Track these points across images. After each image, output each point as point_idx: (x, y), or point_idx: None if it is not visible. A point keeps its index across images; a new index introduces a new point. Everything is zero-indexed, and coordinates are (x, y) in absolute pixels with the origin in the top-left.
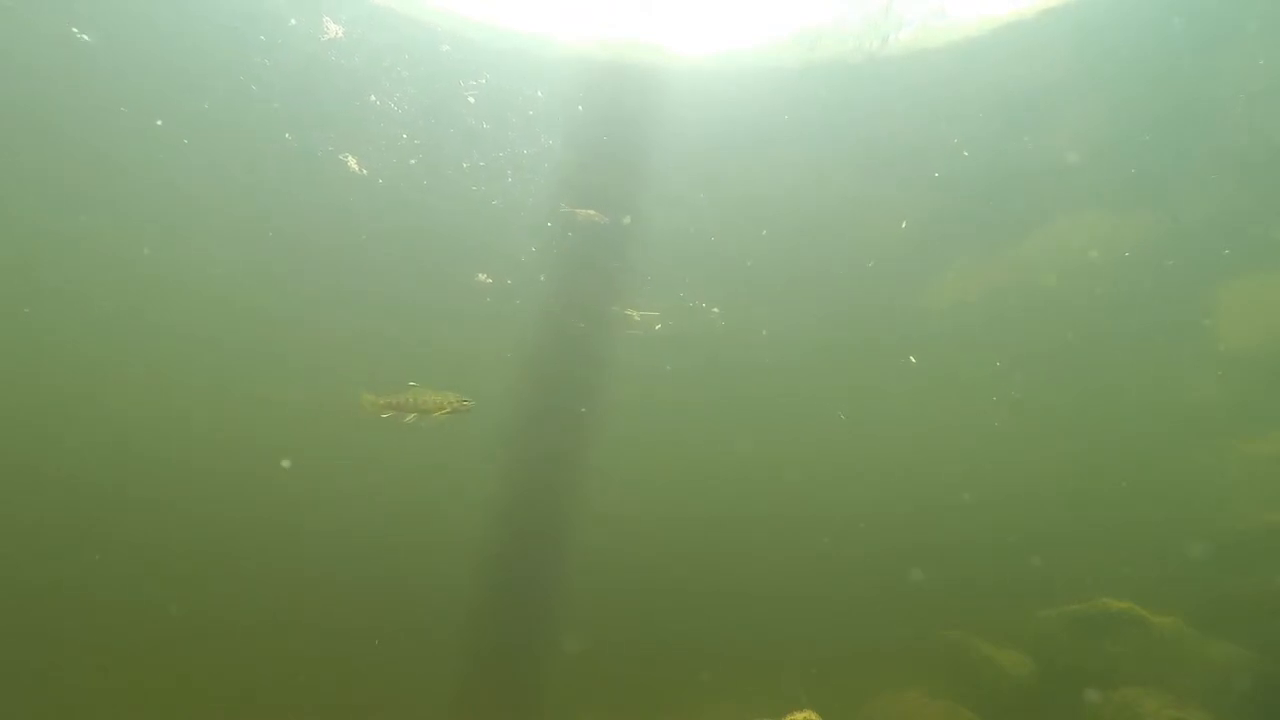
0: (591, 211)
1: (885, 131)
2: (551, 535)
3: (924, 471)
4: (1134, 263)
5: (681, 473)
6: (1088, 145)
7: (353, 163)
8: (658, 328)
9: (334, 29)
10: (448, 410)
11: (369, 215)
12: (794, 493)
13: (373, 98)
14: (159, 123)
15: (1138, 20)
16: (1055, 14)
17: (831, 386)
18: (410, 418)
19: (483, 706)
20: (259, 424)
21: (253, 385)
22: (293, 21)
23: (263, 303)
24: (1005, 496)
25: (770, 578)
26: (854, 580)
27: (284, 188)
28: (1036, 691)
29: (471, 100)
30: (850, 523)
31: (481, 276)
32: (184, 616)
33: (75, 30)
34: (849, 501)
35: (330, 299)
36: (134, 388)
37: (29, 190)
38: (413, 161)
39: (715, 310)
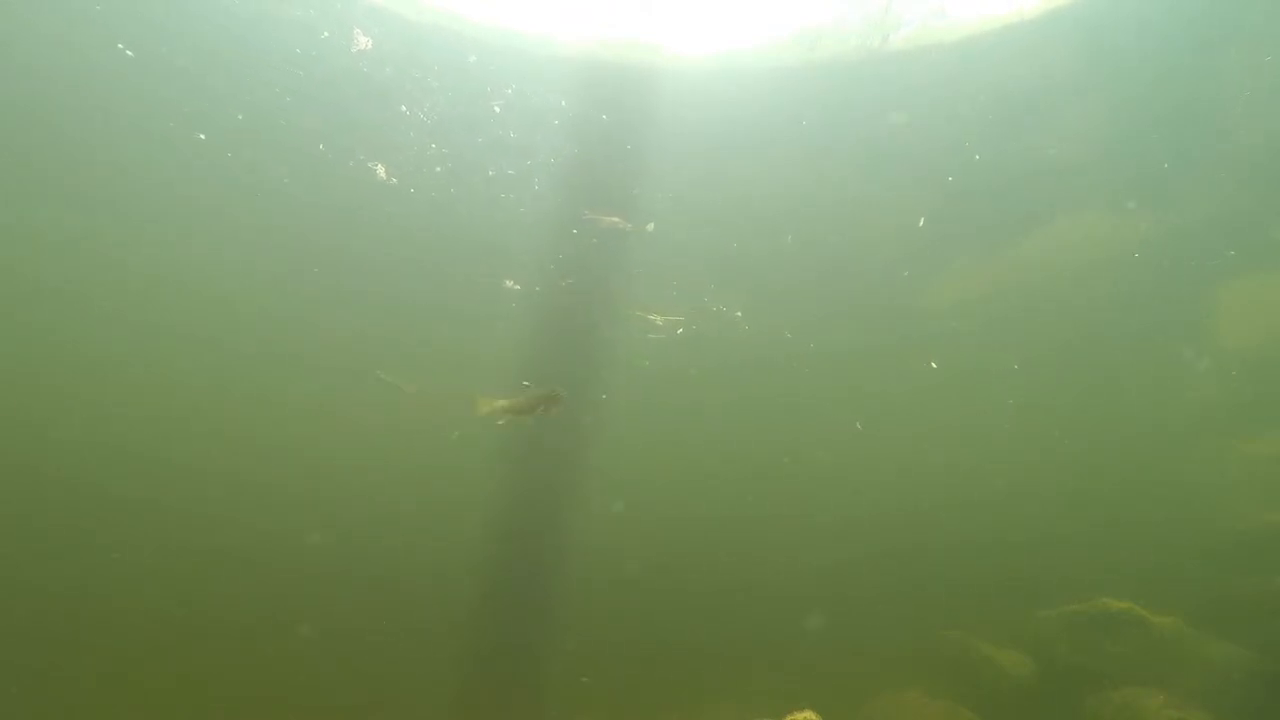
0: (615, 218)
1: (886, 131)
2: (554, 535)
3: (924, 471)
4: (1134, 263)
5: (683, 473)
6: (1088, 145)
7: (382, 171)
8: (680, 331)
9: (363, 40)
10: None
11: (397, 222)
12: (795, 493)
13: (403, 108)
14: (202, 136)
15: (1138, 20)
16: (1055, 14)
17: (834, 386)
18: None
19: (483, 706)
20: (312, 428)
21: (303, 390)
22: (325, 34)
23: (276, 305)
24: (1006, 496)
25: (771, 577)
26: (854, 580)
27: (317, 197)
28: (1036, 691)
29: (497, 109)
30: (851, 522)
31: (509, 283)
32: (186, 617)
33: (120, 46)
34: (849, 501)
35: (342, 301)
36: (202, 397)
37: (75, 201)
38: (438, 169)
39: (739, 314)
